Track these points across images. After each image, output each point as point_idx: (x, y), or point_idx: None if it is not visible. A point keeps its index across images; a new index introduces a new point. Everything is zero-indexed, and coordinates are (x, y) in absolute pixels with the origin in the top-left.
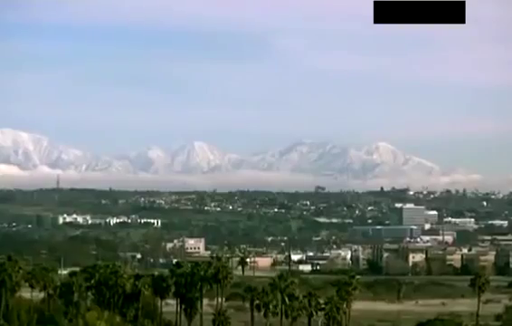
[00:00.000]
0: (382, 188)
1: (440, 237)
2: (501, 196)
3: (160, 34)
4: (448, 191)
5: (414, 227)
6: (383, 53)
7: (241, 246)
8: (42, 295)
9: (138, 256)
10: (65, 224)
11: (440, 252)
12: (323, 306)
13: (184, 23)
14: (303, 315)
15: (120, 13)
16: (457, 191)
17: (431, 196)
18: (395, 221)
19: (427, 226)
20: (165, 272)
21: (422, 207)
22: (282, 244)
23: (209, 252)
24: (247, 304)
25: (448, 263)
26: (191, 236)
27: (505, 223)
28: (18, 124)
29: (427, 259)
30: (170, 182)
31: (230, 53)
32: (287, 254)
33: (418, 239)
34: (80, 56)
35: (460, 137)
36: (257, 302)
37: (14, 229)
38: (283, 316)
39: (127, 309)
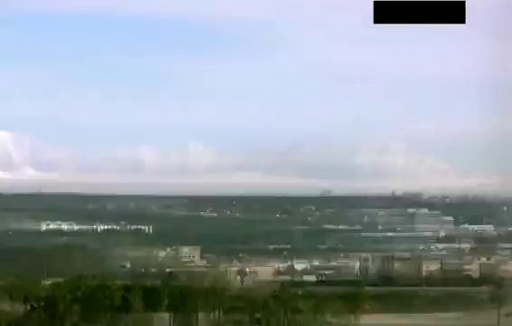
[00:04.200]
0: (393, 192)
1: (456, 245)
2: None
3: (153, 23)
4: (465, 195)
5: (428, 234)
6: (394, 48)
7: (240, 255)
8: (23, 308)
9: (128, 266)
10: (48, 231)
11: (457, 261)
12: (330, 320)
13: (180, 10)
14: None
15: None
16: (475, 195)
17: (447, 200)
18: (408, 227)
19: (442, 233)
20: (158, 283)
21: (437, 213)
22: (285, 252)
23: (205, 261)
24: (247, 318)
25: (465, 273)
26: (185, 244)
27: None
28: None
29: (442, 269)
30: (163, 185)
31: (229, 46)
32: (290, 263)
33: (432, 247)
34: (66, 49)
35: (479, 136)
36: (258, 315)
37: None
38: None
39: (116, 323)
